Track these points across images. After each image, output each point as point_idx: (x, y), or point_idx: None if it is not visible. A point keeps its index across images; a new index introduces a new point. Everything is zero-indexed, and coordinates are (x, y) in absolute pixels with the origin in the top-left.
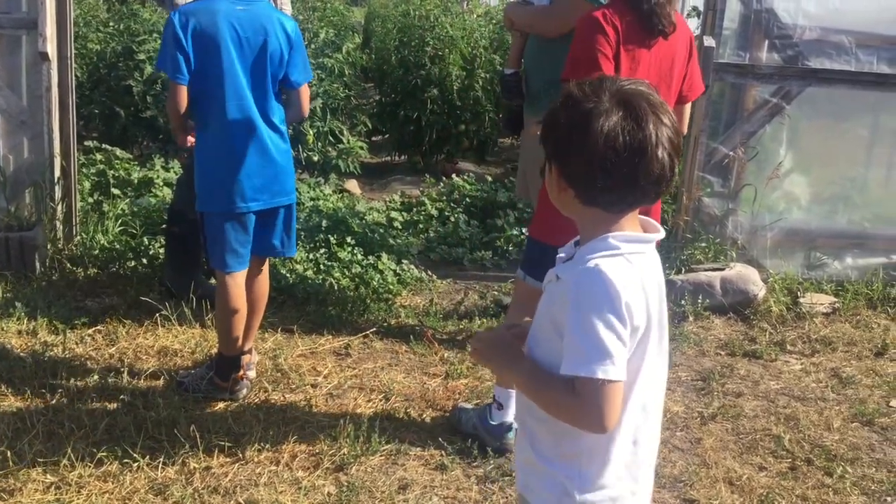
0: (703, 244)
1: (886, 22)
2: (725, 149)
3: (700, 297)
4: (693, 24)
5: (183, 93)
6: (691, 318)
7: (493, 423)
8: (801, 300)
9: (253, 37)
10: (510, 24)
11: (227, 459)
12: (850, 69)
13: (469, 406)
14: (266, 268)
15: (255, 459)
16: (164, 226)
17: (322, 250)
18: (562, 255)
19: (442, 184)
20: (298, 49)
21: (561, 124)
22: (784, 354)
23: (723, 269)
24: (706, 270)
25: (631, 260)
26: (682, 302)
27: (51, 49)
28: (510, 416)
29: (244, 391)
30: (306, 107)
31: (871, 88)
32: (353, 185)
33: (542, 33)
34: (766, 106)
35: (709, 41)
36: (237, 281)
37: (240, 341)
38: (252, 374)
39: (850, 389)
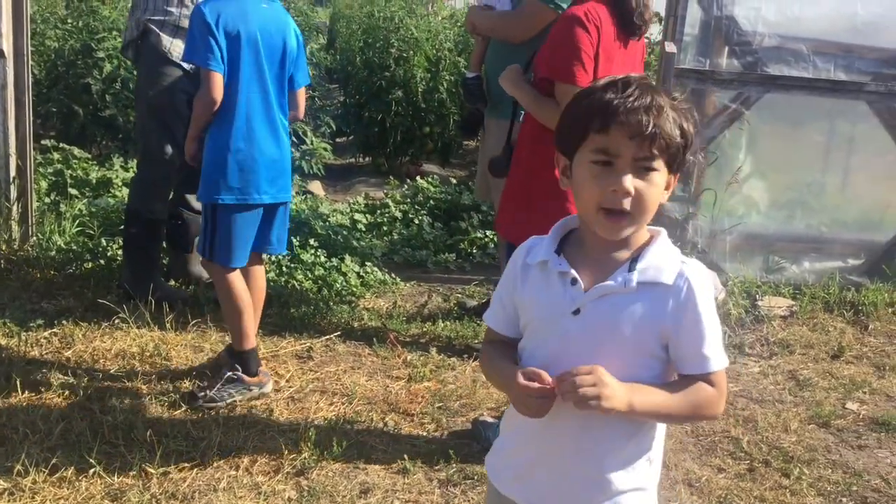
0: None
1: (842, 30)
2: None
3: None
4: (655, 30)
5: (220, 81)
6: None
7: None
8: (760, 303)
9: (275, 35)
10: (472, 27)
11: (186, 465)
12: (807, 76)
13: (490, 419)
14: (262, 264)
15: (214, 464)
16: (122, 227)
17: (284, 253)
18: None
19: (406, 186)
20: (302, 52)
21: (687, 132)
22: (743, 357)
23: None
24: None
25: None
26: None
27: (7, 46)
28: None
29: (271, 382)
30: (303, 108)
31: (828, 95)
32: (316, 187)
33: (506, 38)
34: (726, 111)
35: (670, 47)
36: (238, 275)
37: (254, 332)
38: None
39: (807, 392)
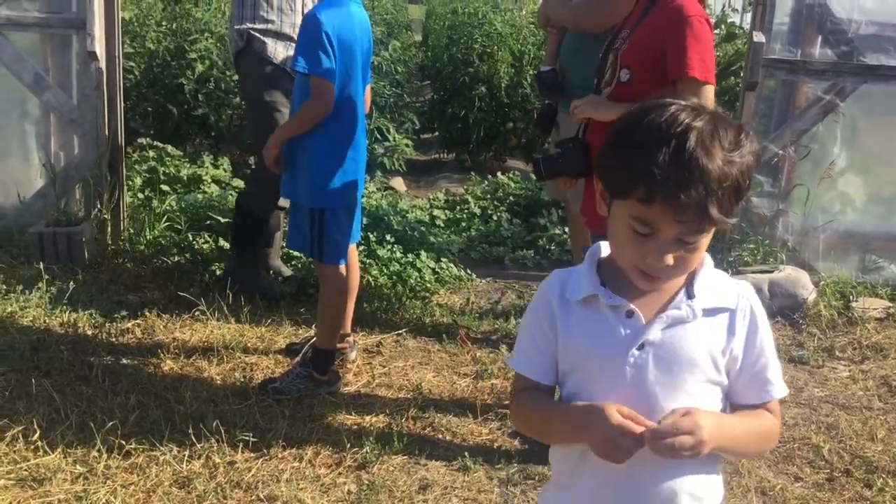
0: (752, 245)
1: None
2: (776, 147)
3: None
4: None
5: (332, 91)
6: None
7: None
8: (854, 305)
9: (367, 38)
10: (545, 20)
11: (251, 455)
12: None
13: None
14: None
15: (279, 456)
16: (207, 222)
17: (361, 248)
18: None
19: (486, 182)
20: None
21: (744, 190)
22: (832, 361)
23: (771, 272)
24: (754, 273)
25: None
26: None
27: (99, 49)
28: None
29: (340, 383)
30: (369, 106)
31: None
32: (398, 183)
33: (584, 29)
34: (819, 103)
35: (758, 36)
36: (345, 270)
37: (338, 335)
38: (354, 354)
39: None
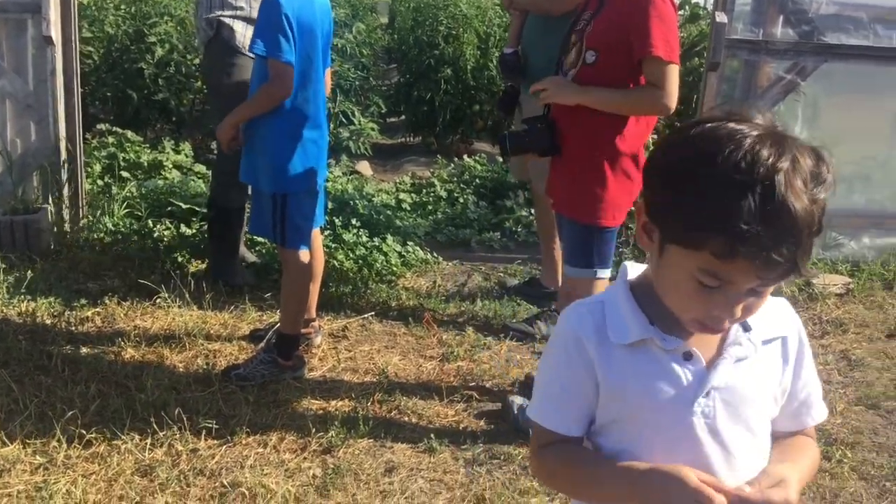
0: None
1: None
2: None
3: None
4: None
5: (291, 74)
6: None
7: None
8: (815, 281)
9: (327, 20)
10: (509, 2)
11: (215, 442)
12: (867, 44)
13: (519, 400)
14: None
15: (243, 442)
16: (168, 208)
17: (326, 232)
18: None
19: (453, 165)
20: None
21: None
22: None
23: None
24: None
25: None
26: None
27: (55, 33)
28: None
29: (305, 368)
30: (330, 89)
31: (890, 64)
32: (364, 167)
33: (547, 11)
34: (781, 83)
35: (721, 17)
36: (309, 255)
37: (302, 320)
38: (319, 339)
39: (858, 372)
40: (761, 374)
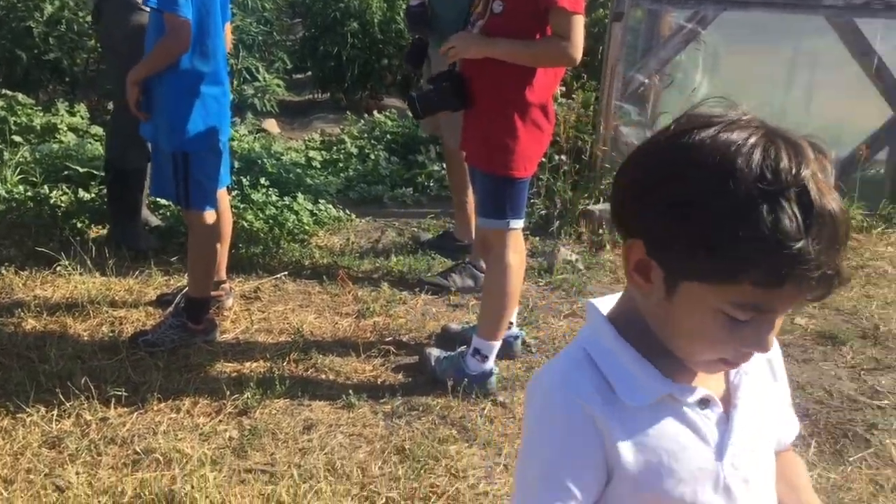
0: None
1: None
2: (642, 77)
3: None
4: None
5: (188, 28)
6: (608, 248)
7: (474, 372)
8: None
9: None
10: None
11: (125, 409)
12: None
13: (436, 352)
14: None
15: (154, 408)
16: (65, 172)
17: (234, 192)
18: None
19: (363, 121)
20: None
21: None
22: None
23: None
24: None
25: None
26: (601, 231)
27: None
28: (491, 363)
29: (217, 331)
30: (230, 44)
31: (786, 11)
32: (271, 125)
33: None
34: (682, 32)
35: None
36: (215, 216)
37: (211, 283)
38: (230, 301)
39: None
40: (767, 398)
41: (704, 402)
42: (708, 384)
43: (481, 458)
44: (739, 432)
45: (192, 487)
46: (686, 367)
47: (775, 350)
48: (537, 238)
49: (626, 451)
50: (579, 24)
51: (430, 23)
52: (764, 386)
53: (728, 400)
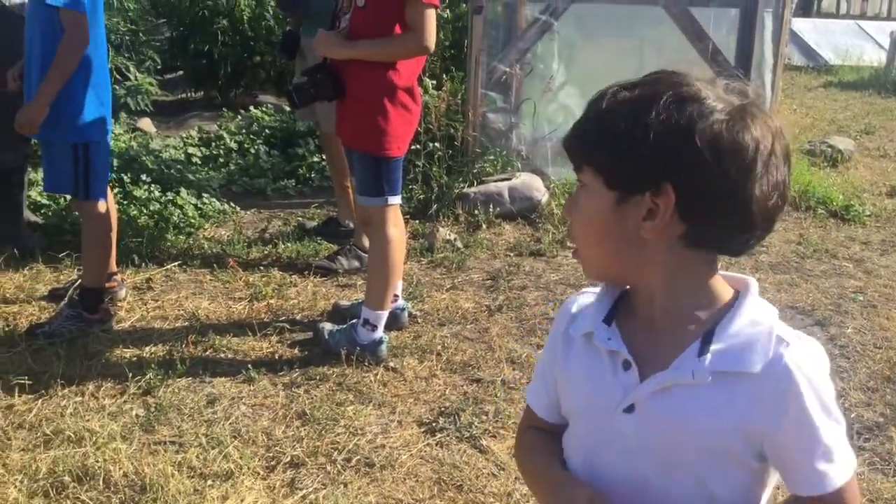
0: (492, 157)
1: None
2: (503, 66)
3: (491, 207)
4: None
5: (87, 23)
6: (484, 227)
7: (365, 341)
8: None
9: None
10: None
11: (30, 397)
12: None
13: (329, 326)
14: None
15: (59, 394)
16: None
17: (116, 190)
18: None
19: (240, 117)
20: None
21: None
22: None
23: (510, 179)
24: (495, 181)
25: None
26: (476, 212)
27: None
28: (380, 332)
29: (113, 320)
30: None
31: (631, 2)
32: (146, 124)
33: None
34: (537, 24)
35: None
36: (106, 206)
37: (105, 273)
38: (123, 292)
39: None
40: (714, 410)
41: (627, 365)
42: (650, 356)
43: (377, 416)
44: (639, 408)
45: (106, 460)
46: (649, 340)
47: (777, 378)
48: (417, 221)
49: (563, 368)
50: (432, 15)
51: (305, 5)
52: (730, 404)
53: (653, 368)
